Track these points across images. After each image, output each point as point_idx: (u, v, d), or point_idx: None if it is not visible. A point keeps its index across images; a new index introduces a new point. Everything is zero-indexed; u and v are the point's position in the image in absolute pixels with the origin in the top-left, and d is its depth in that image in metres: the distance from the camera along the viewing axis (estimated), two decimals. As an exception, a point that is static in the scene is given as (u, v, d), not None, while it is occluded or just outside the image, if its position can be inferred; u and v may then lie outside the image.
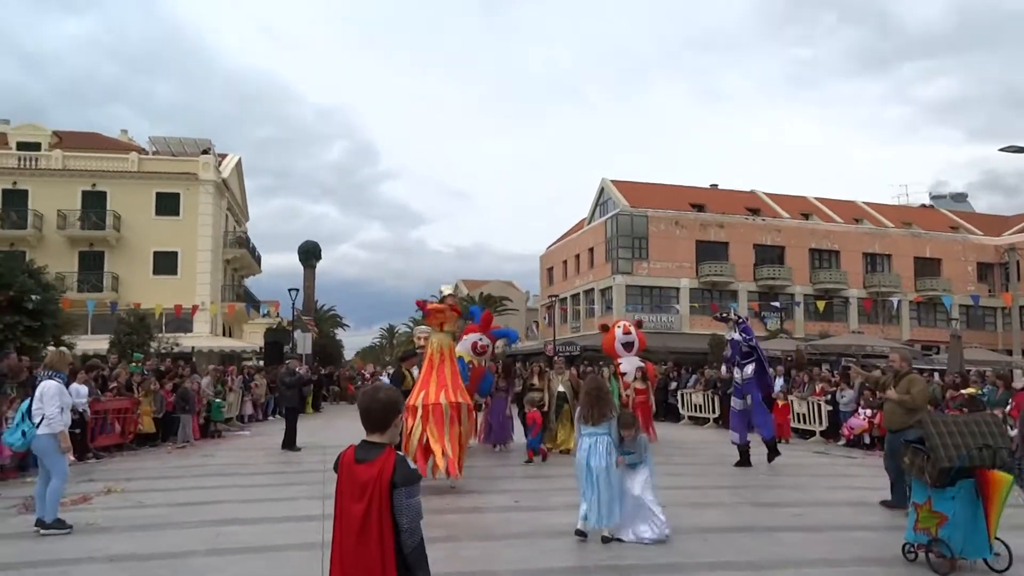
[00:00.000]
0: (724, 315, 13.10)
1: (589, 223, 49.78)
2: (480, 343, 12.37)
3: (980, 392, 13.90)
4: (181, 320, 31.95)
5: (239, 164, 43.86)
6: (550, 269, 55.90)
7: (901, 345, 31.54)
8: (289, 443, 13.34)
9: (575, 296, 49.47)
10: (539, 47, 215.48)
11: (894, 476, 8.17)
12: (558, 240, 56.82)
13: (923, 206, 58.23)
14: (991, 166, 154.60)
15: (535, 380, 13.03)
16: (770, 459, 11.53)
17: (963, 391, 14.09)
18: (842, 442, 15.26)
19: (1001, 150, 18.58)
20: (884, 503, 8.32)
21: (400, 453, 3.20)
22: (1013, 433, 8.46)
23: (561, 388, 12.98)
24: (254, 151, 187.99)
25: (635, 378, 14.40)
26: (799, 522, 7.92)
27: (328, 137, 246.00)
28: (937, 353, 34.03)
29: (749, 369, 11.49)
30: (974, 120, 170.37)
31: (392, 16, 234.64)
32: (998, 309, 46.18)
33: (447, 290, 12.49)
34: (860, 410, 15.20)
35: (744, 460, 11.55)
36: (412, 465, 3.15)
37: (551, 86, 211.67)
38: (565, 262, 52.47)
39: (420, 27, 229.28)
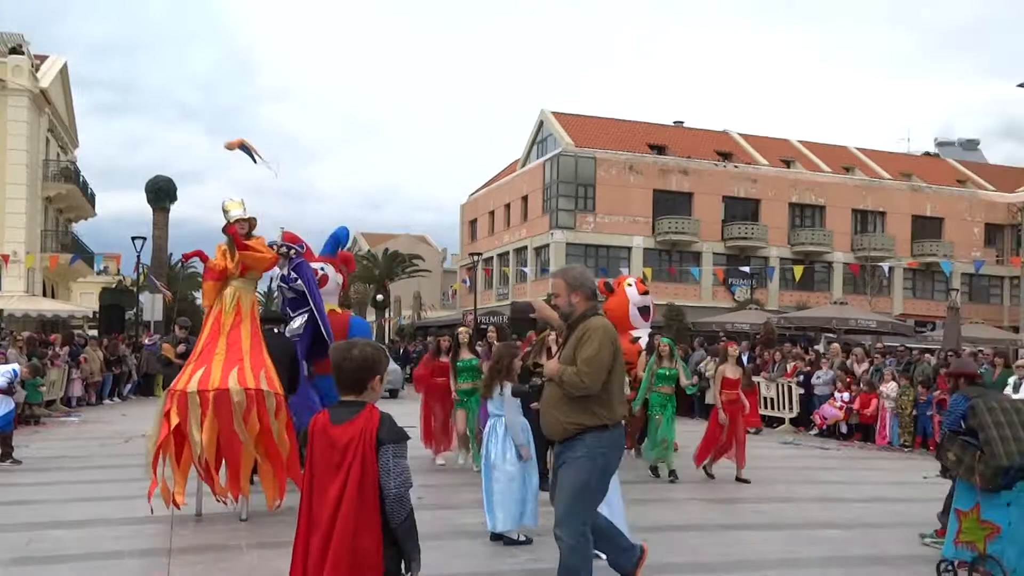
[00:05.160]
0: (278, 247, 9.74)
1: (523, 165, 49.96)
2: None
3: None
4: (-14, 275, 30.64)
5: (64, 70, 41.88)
6: (473, 222, 55.98)
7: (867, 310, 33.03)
8: None
9: (503, 255, 49.73)
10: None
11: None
12: (484, 186, 56.85)
13: (927, 154, 60.75)
14: (1011, 109, 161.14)
15: (542, 357, 8.62)
16: None
17: (957, 372, 14.94)
18: (814, 431, 16.07)
19: (1020, 86, 19.57)
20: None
21: (384, 411, 3.36)
22: None
23: None
24: (86, 55, 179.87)
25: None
26: (758, 519, 8.39)
27: (189, 41, 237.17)
28: (932, 329, 35.89)
29: (298, 323, 9.66)
30: (991, 53, 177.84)
31: None
32: (1006, 279, 48.99)
33: (233, 207, 7.83)
34: (836, 394, 16.03)
35: None
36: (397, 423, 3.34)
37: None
38: (492, 213, 52.67)
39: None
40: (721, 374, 10.68)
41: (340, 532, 3.14)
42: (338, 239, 11.14)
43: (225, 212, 8.07)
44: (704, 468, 10.46)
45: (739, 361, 11.14)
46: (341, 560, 3.13)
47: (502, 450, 6.97)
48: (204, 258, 8.14)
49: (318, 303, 9.76)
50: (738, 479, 10.23)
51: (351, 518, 3.13)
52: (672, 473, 10.23)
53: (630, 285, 12.74)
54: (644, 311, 12.53)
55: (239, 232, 7.89)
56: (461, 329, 11.39)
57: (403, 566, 3.30)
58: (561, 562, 4.94)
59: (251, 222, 8.13)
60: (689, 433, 11.41)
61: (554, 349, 8.67)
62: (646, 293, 12.64)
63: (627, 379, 10.37)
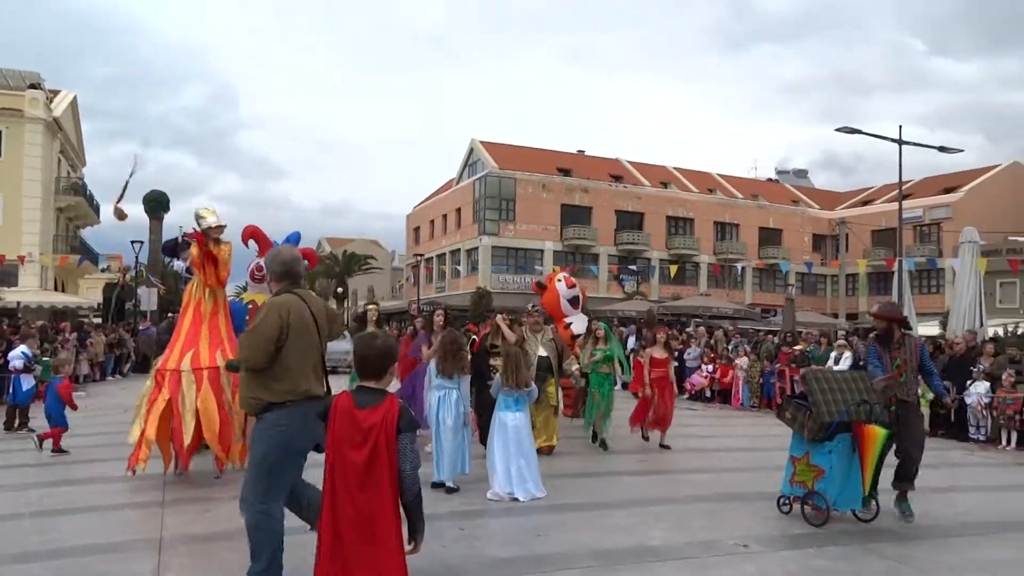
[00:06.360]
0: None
1: (458, 183, 49.65)
2: (255, 265, 9.13)
3: (808, 349, 15.31)
4: (5, 272, 29.05)
5: (74, 103, 39.89)
6: (416, 228, 55.43)
7: (739, 308, 33.76)
8: None
9: (441, 256, 49.41)
10: None
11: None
12: (426, 200, 56.35)
13: (769, 180, 62.59)
14: (830, 146, 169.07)
15: (497, 339, 8.41)
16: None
17: (795, 348, 15.46)
18: (685, 396, 16.40)
19: (837, 130, 20.32)
20: None
21: (402, 402, 3.21)
22: None
23: (543, 352, 8.73)
24: (93, 90, 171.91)
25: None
26: (642, 467, 8.50)
27: (180, 79, 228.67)
28: (774, 315, 37.00)
29: None
30: (817, 102, 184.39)
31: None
32: (828, 276, 50.82)
33: (208, 215, 7.21)
34: (703, 366, 16.39)
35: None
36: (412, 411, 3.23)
37: (421, 40, 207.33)
38: (432, 222, 52.19)
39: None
40: (650, 355, 9.96)
41: (365, 495, 3.06)
42: (288, 242, 10.48)
43: (200, 219, 7.29)
44: (642, 432, 9.74)
45: (666, 344, 10.24)
46: (368, 509, 3.07)
47: (452, 415, 6.83)
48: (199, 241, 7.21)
49: None
50: (645, 438, 9.67)
51: (373, 486, 3.06)
52: (603, 443, 9.37)
53: (560, 281, 11.86)
54: (573, 301, 11.69)
55: (212, 237, 7.16)
56: (370, 307, 10.42)
57: (408, 535, 3.20)
58: (249, 540, 3.99)
59: (220, 229, 7.37)
60: (623, 408, 10.89)
61: (505, 330, 8.25)
62: (573, 286, 11.81)
63: (572, 358, 9.48)
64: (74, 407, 8.95)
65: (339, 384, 4.66)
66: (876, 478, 6.04)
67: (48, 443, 8.61)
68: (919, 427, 6.23)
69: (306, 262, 9.32)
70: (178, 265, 8.88)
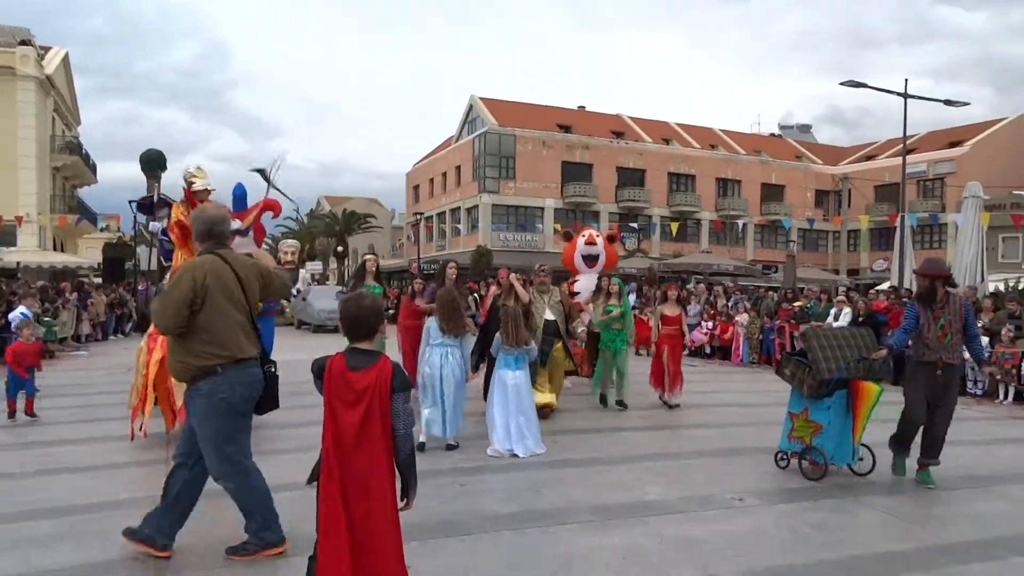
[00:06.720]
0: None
1: (457, 141, 49.17)
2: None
3: (808, 305, 15.33)
4: (3, 233, 29.01)
5: (66, 59, 39.33)
6: (416, 187, 55.11)
7: (742, 263, 33.82)
8: None
9: (441, 214, 49.22)
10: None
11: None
12: (425, 158, 55.90)
13: (772, 135, 61.95)
14: (834, 101, 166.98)
15: (509, 300, 7.90)
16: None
17: (795, 304, 15.49)
18: (686, 352, 16.47)
19: (841, 84, 20.04)
20: None
21: (394, 362, 3.21)
22: None
23: (550, 315, 8.59)
24: (83, 46, 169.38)
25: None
26: (643, 423, 8.59)
27: (172, 35, 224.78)
28: (776, 272, 37.00)
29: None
30: (822, 56, 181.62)
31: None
32: (830, 232, 50.70)
33: (199, 177, 7.22)
34: (703, 323, 16.44)
35: None
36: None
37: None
38: (432, 180, 51.85)
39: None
40: (660, 312, 9.77)
41: (359, 456, 3.06)
42: (235, 196, 9.47)
43: (193, 178, 7.08)
44: (660, 398, 9.64)
45: (679, 300, 9.97)
46: (362, 469, 3.07)
47: (455, 372, 6.87)
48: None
49: None
50: (664, 402, 9.54)
51: (368, 447, 3.06)
52: (620, 403, 9.29)
53: (583, 236, 11.69)
54: (588, 259, 11.47)
55: (201, 201, 6.99)
56: (368, 257, 9.86)
57: (401, 492, 3.20)
58: (237, 505, 4.13)
59: (208, 193, 7.21)
60: (637, 369, 10.82)
61: (519, 289, 7.98)
62: (592, 243, 11.52)
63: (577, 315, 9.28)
64: (23, 375, 8.44)
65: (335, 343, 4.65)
66: (911, 439, 6.03)
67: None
68: (954, 395, 6.04)
69: (269, 212, 9.17)
70: (154, 226, 8.58)
